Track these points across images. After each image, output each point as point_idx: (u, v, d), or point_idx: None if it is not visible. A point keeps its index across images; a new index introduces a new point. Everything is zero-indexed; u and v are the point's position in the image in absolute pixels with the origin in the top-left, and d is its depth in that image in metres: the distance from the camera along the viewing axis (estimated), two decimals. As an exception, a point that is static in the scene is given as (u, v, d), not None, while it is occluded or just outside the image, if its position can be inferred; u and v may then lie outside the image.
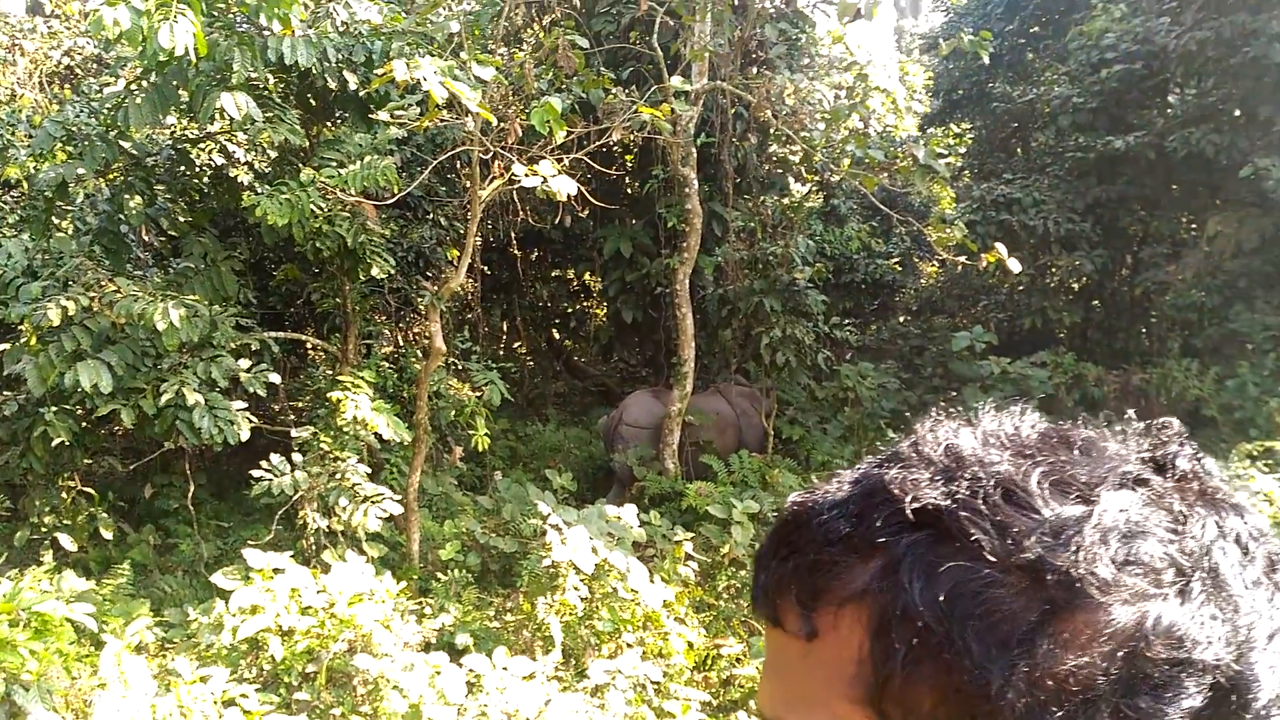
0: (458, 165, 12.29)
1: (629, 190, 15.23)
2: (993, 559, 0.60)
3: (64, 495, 9.09)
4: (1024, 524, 0.61)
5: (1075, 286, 17.12)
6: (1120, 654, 0.58)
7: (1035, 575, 0.59)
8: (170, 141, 9.99)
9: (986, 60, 12.53)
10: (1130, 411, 0.75)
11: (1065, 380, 13.85)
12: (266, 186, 8.76)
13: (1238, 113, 14.16)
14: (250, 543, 8.09)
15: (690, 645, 7.30)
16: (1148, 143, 14.99)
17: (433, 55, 8.00)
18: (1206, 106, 14.66)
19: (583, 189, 8.49)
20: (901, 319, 19.17)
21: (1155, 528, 0.62)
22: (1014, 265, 9.56)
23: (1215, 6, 13.59)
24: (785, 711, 0.70)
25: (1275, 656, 0.61)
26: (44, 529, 8.77)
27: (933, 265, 19.05)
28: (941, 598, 0.60)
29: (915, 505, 0.64)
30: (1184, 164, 14.79)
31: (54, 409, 8.23)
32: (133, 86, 8.28)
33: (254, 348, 9.17)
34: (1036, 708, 0.57)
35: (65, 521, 8.92)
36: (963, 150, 20.49)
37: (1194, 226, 16.21)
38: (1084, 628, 0.58)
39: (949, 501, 0.64)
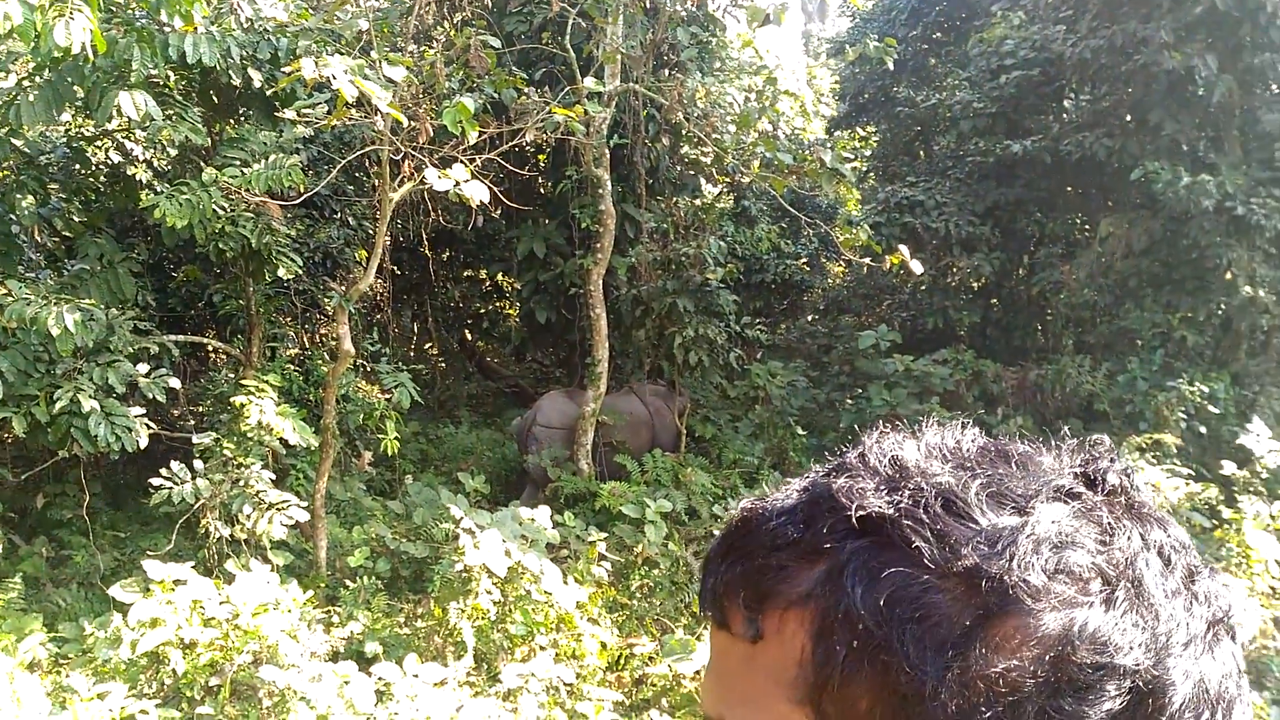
0: (367, 164, 12.09)
1: (542, 190, 15.16)
2: (931, 565, 0.63)
3: (-50, 507, 8.69)
4: (962, 533, 0.64)
5: (975, 286, 17.59)
6: (1048, 658, 0.60)
7: (971, 582, 0.62)
8: (65, 139, 9.62)
9: (891, 66, 12.80)
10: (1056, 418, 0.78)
11: (966, 377, 14.22)
12: (166, 186, 8.49)
13: (1129, 118, 14.69)
14: (149, 553, 7.83)
15: (603, 646, 7.33)
16: (1044, 147, 15.46)
17: (341, 53, 7.86)
18: (1099, 112, 15.20)
19: (495, 190, 8.43)
20: (810, 318, 19.45)
21: (1085, 539, 0.65)
22: (916, 266, 9.79)
23: (1108, 15, 14.08)
24: (727, 711, 0.72)
25: (1190, 662, 0.64)
26: (-72, 543, 8.38)
27: (840, 266, 19.39)
28: (882, 601, 0.63)
29: (860, 513, 0.67)
30: (1078, 168, 15.32)
31: (-61, 418, 7.86)
32: (25, 83, 7.96)
33: (153, 351, 8.88)
34: (967, 708, 0.60)
35: (-49, 535, 8.53)
36: (868, 153, 20.93)
37: (1087, 228, 16.77)
38: (1015, 632, 0.61)
39: (892, 510, 0.66)
